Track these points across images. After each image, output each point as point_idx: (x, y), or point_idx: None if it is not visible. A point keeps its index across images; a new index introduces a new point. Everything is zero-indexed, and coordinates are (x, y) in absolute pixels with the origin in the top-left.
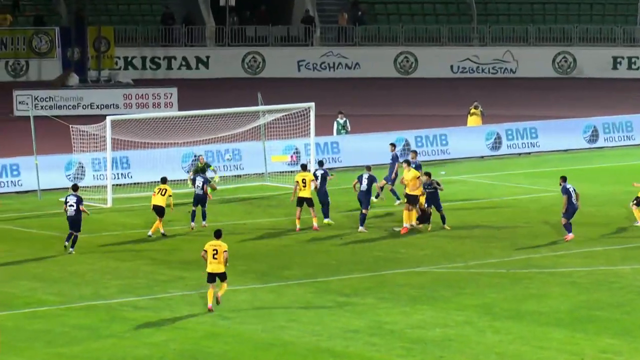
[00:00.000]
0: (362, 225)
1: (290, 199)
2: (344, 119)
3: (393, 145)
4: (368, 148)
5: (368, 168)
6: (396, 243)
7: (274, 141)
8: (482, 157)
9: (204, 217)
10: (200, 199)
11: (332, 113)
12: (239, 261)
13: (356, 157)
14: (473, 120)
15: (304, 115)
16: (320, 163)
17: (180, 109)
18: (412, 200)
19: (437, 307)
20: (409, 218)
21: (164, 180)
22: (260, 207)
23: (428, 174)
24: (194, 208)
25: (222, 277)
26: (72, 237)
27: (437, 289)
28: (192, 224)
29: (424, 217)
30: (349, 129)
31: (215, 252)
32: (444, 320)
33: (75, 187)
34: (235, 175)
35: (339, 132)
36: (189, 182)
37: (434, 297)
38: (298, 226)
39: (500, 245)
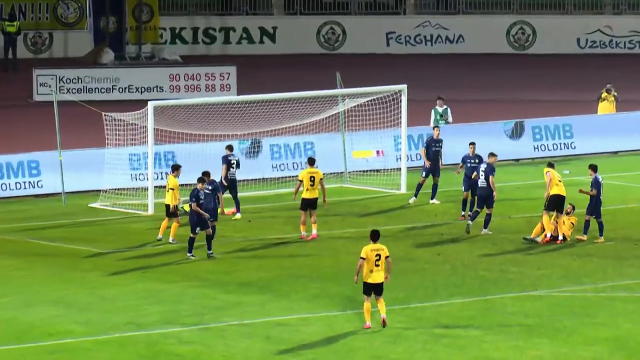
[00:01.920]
0: (485, 227)
1: (292, 198)
2: (444, 106)
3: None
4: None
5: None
6: (506, 260)
7: (356, 133)
8: (616, 152)
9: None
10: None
11: (429, 98)
12: (311, 282)
13: (458, 152)
14: (605, 107)
15: (393, 100)
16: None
17: (239, 93)
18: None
19: (558, 340)
20: (549, 226)
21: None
22: (339, 215)
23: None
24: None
25: (379, 290)
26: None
27: (558, 318)
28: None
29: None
30: (450, 119)
31: (377, 257)
32: (566, 356)
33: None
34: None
35: (437, 122)
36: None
37: (554, 328)
38: (303, 233)
39: (638, 264)
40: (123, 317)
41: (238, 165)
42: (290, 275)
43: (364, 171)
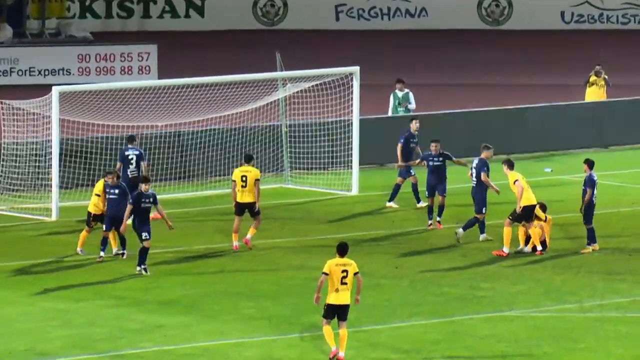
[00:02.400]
0: (464, 229)
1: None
2: (405, 90)
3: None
4: (440, 132)
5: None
6: (476, 274)
7: (299, 122)
8: (607, 146)
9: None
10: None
11: (385, 83)
12: (245, 301)
13: (422, 145)
14: (593, 93)
15: (343, 85)
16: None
17: (161, 77)
18: (522, 214)
19: None
20: (510, 239)
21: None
22: (278, 220)
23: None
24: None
25: (345, 313)
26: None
27: (537, 343)
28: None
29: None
30: (412, 105)
31: (344, 274)
32: None
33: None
34: None
35: (396, 110)
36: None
37: (532, 355)
38: (235, 243)
39: (631, 279)
40: (23, 342)
41: (141, 159)
42: (221, 292)
43: (308, 168)
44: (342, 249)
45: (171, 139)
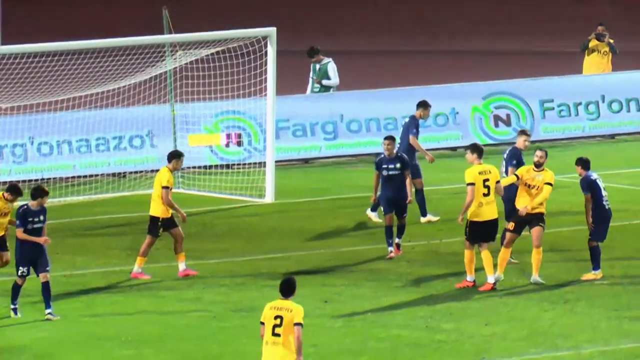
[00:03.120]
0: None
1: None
2: (325, 60)
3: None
4: (376, 117)
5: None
6: (435, 311)
7: (194, 104)
8: (613, 136)
9: None
10: None
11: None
12: (120, 348)
13: (351, 135)
14: (594, 63)
15: (253, 52)
16: None
17: (5, 42)
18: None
19: None
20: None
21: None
22: (166, 238)
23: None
24: None
25: None
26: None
27: None
28: None
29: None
30: (333, 81)
31: (278, 322)
32: None
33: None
34: (114, 175)
35: (314, 89)
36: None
37: None
38: (136, 269)
39: None
40: None
41: None
42: (86, 335)
43: (205, 167)
44: (285, 288)
45: (19, 126)
